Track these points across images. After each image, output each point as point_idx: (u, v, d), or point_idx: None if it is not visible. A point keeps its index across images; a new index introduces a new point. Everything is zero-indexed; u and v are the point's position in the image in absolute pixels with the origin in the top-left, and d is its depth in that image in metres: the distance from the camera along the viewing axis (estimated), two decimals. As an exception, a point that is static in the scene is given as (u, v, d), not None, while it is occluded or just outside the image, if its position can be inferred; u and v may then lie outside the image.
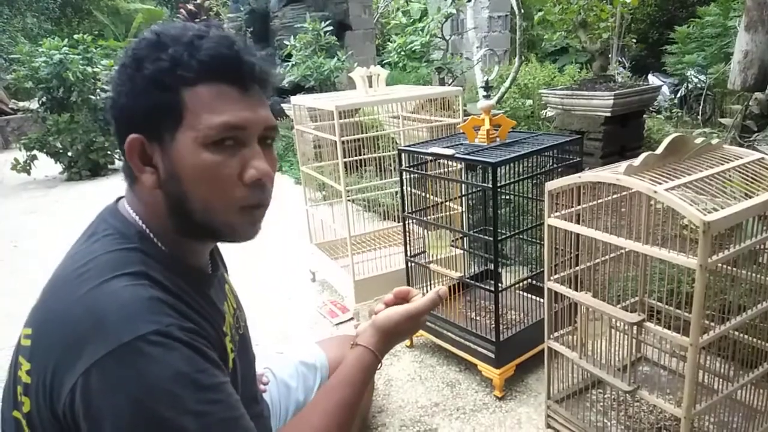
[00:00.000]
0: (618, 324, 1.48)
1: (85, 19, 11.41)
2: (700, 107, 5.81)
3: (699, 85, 5.97)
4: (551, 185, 1.39)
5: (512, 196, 1.98)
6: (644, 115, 4.25)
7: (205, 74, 0.76)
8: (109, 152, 5.81)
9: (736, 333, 1.38)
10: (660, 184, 1.17)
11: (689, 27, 6.42)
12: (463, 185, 2.14)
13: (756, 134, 2.71)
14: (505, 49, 6.47)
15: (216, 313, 0.92)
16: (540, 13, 4.24)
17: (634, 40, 4.44)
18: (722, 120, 2.95)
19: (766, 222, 1.29)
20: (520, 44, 3.65)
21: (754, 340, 1.40)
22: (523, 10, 3.83)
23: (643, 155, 1.25)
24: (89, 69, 5.49)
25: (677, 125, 5.27)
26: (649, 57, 7.47)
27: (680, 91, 6.29)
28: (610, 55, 4.06)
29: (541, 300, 1.99)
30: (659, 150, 1.27)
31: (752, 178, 1.24)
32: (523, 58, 4.24)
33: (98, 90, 5.59)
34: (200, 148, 0.76)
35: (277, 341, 2.22)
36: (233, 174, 0.78)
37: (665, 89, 6.33)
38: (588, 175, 1.29)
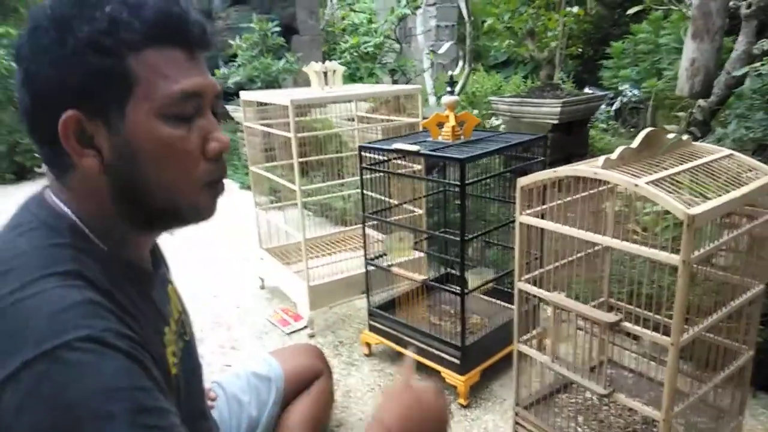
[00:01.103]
0: (587, 325, 1.44)
1: (10, 16, 10.70)
2: (634, 120, 6.07)
3: (633, 99, 6.23)
4: (524, 181, 1.33)
5: (472, 198, 1.93)
6: (588, 124, 4.36)
7: (152, 37, 0.66)
8: (36, 155, 5.39)
9: (706, 334, 1.37)
10: (639, 177, 1.14)
11: (623, 43, 6.69)
12: (423, 186, 2.07)
13: (700, 140, 2.80)
14: (452, 57, 6.52)
15: (159, 318, 0.79)
16: (488, 22, 4.27)
17: (580, 50, 4.56)
18: (667, 127, 3.04)
19: (722, 224, 1.28)
20: (469, 51, 3.65)
21: (720, 339, 1.38)
22: (473, 17, 3.83)
23: (619, 148, 1.21)
24: (14, 65, 5.07)
25: (614, 136, 5.46)
26: (585, 72, 7.75)
27: (615, 104, 6.55)
28: (556, 64, 4.12)
29: (503, 304, 1.95)
30: (635, 144, 1.24)
31: (725, 172, 1.23)
32: (471, 66, 4.25)
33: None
34: (158, 122, 0.67)
35: (224, 354, 2.06)
36: (196, 148, 0.70)
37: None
38: (565, 169, 1.24)
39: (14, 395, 0.55)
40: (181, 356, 0.86)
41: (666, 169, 1.20)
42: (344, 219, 2.86)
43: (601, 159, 1.20)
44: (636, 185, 1.10)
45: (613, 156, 1.21)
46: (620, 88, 6.43)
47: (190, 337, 0.96)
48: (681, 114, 2.94)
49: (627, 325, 1.22)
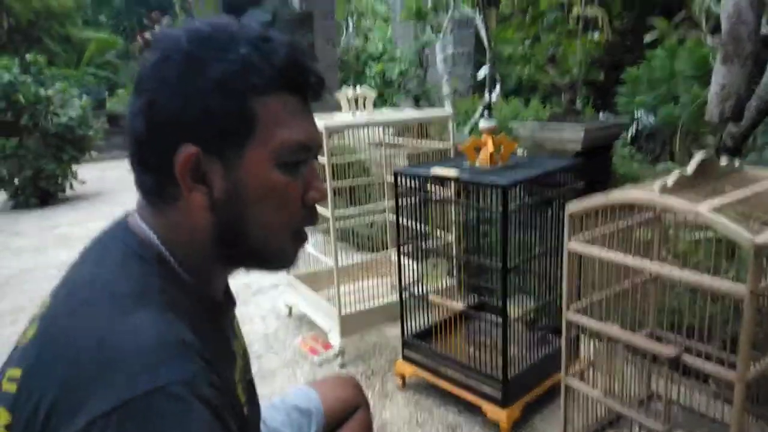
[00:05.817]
0: (638, 358, 1.39)
1: (34, 47, 10.96)
2: (651, 145, 6.05)
3: (647, 126, 6.20)
4: (573, 207, 1.30)
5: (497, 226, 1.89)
6: (610, 151, 4.32)
7: (277, 83, 0.66)
8: (59, 181, 5.45)
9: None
10: (698, 204, 1.10)
11: (639, 69, 6.69)
12: (455, 213, 2.04)
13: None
14: (469, 85, 6.55)
15: (231, 355, 0.78)
16: (509, 50, 4.30)
17: (601, 76, 4.57)
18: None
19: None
20: (491, 75, 3.66)
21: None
22: (493, 43, 3.86)
23: (674, 174, 1.18)
24: (42, 92, 5.15)
25: (633, 161, 5.43)
26: (598, 98, 7.77)
27: (630, 130, 6.53)
28: (577, 90, 4.11)
29: (541, 334, 1.89)
30: (689, 170, 1.21)
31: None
32: (492, 92, 4.26)
33: (51, 115, 5.23)
34: (272, 168, 0.67)
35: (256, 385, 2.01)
36: (298, 196, 0.71)
37: (616, 129, 6.54)
38: (618, 195, 1.21)
39: None
40: (247, 396, 0.83)
41: (723, 195, 1.16)
42: (365, 246, 2.83)
43: (657, 184, 1.16)
44: (697, 212, 1.07)
45: (669, 182, 1.17)
46: (636, 115, 6.41)
47: (251, 375, 0.93)
48: (710, 139, 2.91)
49: (688, 358, 1.17)
